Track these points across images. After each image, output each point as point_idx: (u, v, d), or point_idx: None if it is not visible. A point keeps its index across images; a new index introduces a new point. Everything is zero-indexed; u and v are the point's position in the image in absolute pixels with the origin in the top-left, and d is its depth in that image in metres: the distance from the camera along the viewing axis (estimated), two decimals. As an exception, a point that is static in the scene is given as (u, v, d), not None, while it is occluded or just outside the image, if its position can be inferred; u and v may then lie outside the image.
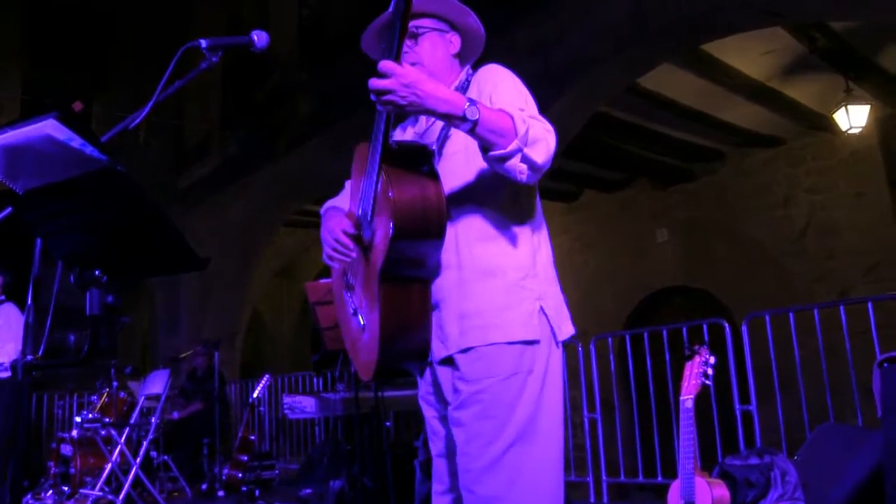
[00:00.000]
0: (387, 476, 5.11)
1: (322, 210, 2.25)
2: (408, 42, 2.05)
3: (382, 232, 1.85)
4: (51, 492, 7.91)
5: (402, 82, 1.71)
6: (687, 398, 3.41)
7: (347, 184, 2.35)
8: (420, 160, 1.91)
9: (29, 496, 7.94)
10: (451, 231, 1.92)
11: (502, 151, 1.78)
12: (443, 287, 1.96)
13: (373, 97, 1.76)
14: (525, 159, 1.80)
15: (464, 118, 1.74)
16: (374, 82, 1.73)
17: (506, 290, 1.94)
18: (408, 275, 1.91)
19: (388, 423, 6.28)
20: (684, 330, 5.81)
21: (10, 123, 1.52)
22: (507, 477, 1.86)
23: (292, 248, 15.17)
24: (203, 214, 12.70)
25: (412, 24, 2.06)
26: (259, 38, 2.10)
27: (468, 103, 1.74)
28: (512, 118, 1.79)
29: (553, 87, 6.61)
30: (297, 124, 10.81)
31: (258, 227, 12.49)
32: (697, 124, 8.62)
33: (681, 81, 7.56)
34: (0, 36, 12.84)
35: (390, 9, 1.98)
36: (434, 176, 1.87)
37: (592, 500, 6.20)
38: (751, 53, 7.11)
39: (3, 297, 5.83)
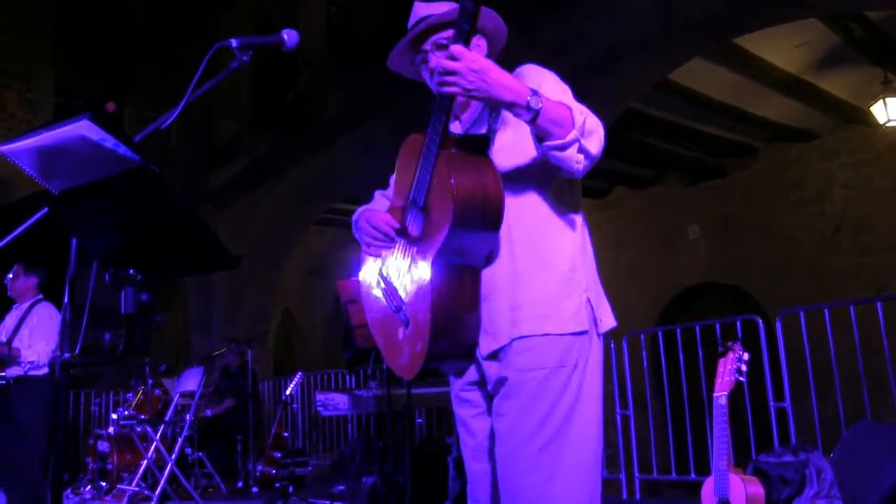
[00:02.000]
0: (419, 473, 5.13)
1: (354, 216, 2.24)
2: (438, 54, 2.06)
3: (439, 218, 1.85)
4: (89, 487, 8.05)
5: (472, 67, 1.74)
6: (720, 395, 3.38)
7: (377, 194, 2.35)
8: (479, 148, 1.92)
9: (69, 491, 8.07)
10: (503, 222, 1.91)
11: (561, 141, 1.80)
12: (494, 278, 1.96)
13: (435, 83, 1.79)
14: (581, 149, 1.82)
15: (528, 107, 1.77)
16: (444, 63, 1.76)
17: (559, 282, 1.95)
18: (461, 263, 1.90)
19: (420, 420, 6.31)
20: (717, 326, 5.76)
21: (45, 125, 1.54)
22: (548, 468, 1.87)
23: (323, 247, 15.25)
24: (233, 214, 12.81)
25: (439, 36, 2.08)
26: (289, 37, 2.10)
27: (531, 93, 1.77)
28: (570, 109, 1.81)
29: (580, 84, 6.54)
30: (326, 123, 10.85)
31: (288, 226, 12.56)
32: (729, 119, 8.53)
33: (712, 76, 7.49)
34: (33, 40, 13.03)
35: (420, 25, 2.02)
36: (492, 166, 1.88)
37: (625, 496, 6.17)
38: (784, 46, 7.02)
39: (40, 296, 5.91)
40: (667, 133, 8.89)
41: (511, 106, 1.79)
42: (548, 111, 1.78)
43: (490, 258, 1.96)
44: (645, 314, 10.18)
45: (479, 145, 1.94)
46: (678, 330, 6.24)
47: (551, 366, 1.91)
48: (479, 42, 2.15)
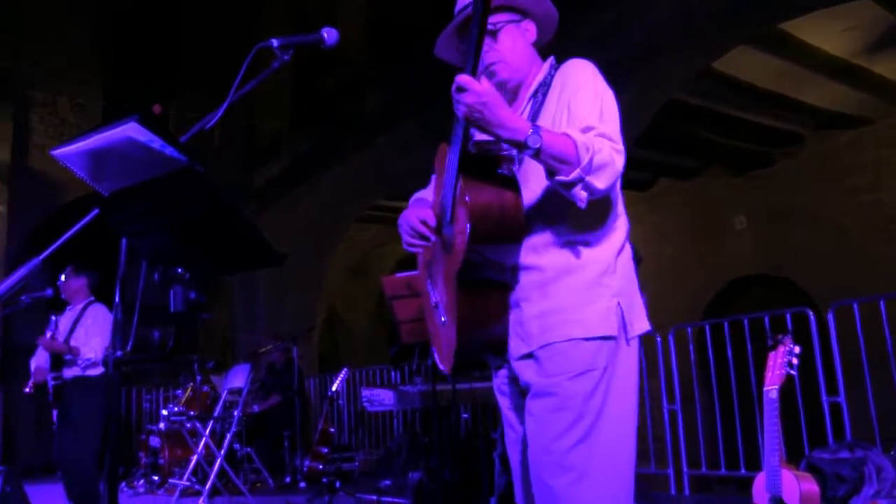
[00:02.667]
0: (465, 468, 5.13)
1: (410, 200, 2.28)
2: (487, 41, 2.04)
3: (461, 234, 1.87)
4: (142, 481, 8.21)
5: (479, 99, 1.75)
6: (771, 389, 3.32)
7: (434, 178, 2.36)
8: (497, 164, 1.92)
9: (123, 485, 8.24)
10: (532, 234, 1.93)
11: (564, 178, 1.79)
12: (523, 288, 1.98)
13: (453, 98, 1.79)
14: (586, 187, 1.81)
15: (526, 146, 1.77)
16: (457, 83, 1.76)
17: (585, 287, 1.95)
18: (485, 277, 1.93)
19: (465, 416, 6.30)
20: (766, 319, 5.67)
21: (94, 128, 1.56)
22: (578, 470, 1.88)
23: (366, 244, 15.32)
24: (276, 212, 12.93)
25: (489, 21, 2.03)
26: (329, 35, 2.11)
27: (531, 131, 1.76)
28: (576, 145, 1.79)
29: (620, 76, 6.50)
30: (366, 121, 10.90)
31: (331, 223, 12.65)
32: (775, 107, 8.38)
33: (757, 63, 7.36)
34: (80, 46, 13.31)
35: (467, 10, 1.98)
36: (511, 180, 1.89)
37: (673, 492, 6.11)
38: (833, 29, 6.87)
39: (92, 298, 6.02)
40: (711, 123, 8.78)
41: (510, 142, 1.80)
42: (548, 150, 1.77)
43: (517, 268, 1.98)
44: (691, 307, 10.07)
45: (499, 160, 1.94)
46: (725, 323, 6.15)
47: (579, 370, 1.91)
48: (527, 27, 2.13)
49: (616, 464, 1.91)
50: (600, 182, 1.81)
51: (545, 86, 2.06)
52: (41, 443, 11.46)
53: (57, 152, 1.65)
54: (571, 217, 1.96)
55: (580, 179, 1.78)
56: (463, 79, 1.76)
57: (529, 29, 2.14)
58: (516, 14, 2.12)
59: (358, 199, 12.13)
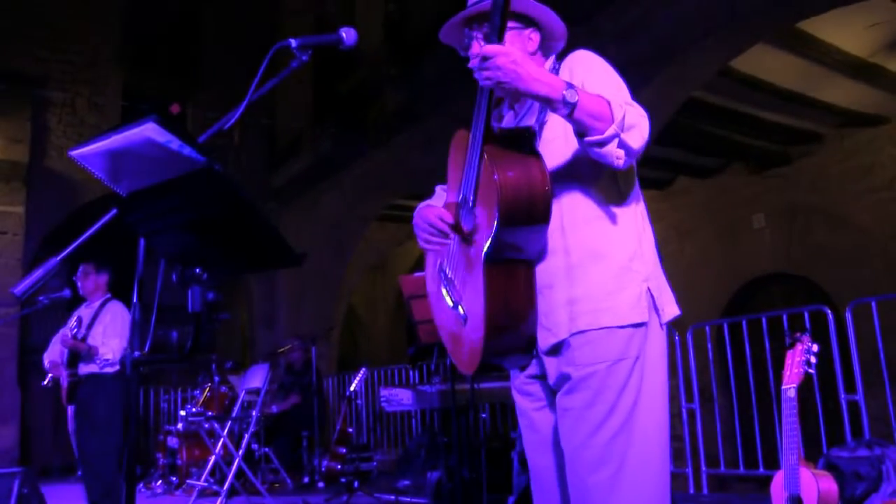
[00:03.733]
0: (484, 467, 5.13)
1: (417, 209, 2.26)
2: (480, 41, 2.04)
3: (487, 215, 1.84)
4: (160, 481, 8.25)
5: (509, 58, 1.72)
6: (789, 387, 3.30)
7: (438, 189, 2.35)
8: (523, 142, 1.90)
9: (141, 485, 8.29)
10: (555, 214, 1.89)
11: (599, 137, 1.77)
12: (549, 272, 1.95)
13: (476, 70, 1.77)
14: (622, 144, 1.78)
15: (563, 101, 1.74)
16: (481, 51, 1.74)
17: (615, 273, 1.93)
18: (513, 258, 1.89)
19: (484, 415, 6.31)
20: (784, 318, 5.64)
21: (112, 129, 1.57)
22: (616, 462, 1.87)
23: (385, 243, 15.34)
24: (296, 212, 12.98)
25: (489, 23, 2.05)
26: (348, 35, 2.11)
27: (567, 87, 1.74)
28: (609, 103, 1.78)
29: (640, 74, 6.48)
30: (386, 119, 10.92)
31: (351, 222, 12.68)
32: (794, 106, 8.32)
33: (776, 62, 7.31)
34: (101, 46, 13.40)
35: (481, 5, 1.98)
36: (538, 158, 1.86)
37: (692, 491, 6.08)
38: (852, 28, 6.81)
39: (109, 295, 6.06)
40: (730, 121, 8.73)
41: (546, 100, 1.77)
42: (584, 105, 1.74)
43: (543, 252, 1.95)
44: (710, 306, 10.02)
45: (523, 138, 1.92)
46: (744, 321, 6.12)
47: (612, 359, 1.89)
48: (531, 35, 2.12)
49: (652, 454, 1.90)
50: (633, 141, 1.80)
51: (554, 71, 2.05)
52: (58, 443, 11.57)
53: (75, 153, 1.66)
54: (595, 197, 1.96)
55: (615, 136, 1.76)
56: (490, 47, 1.74)
57: (533, 38, 2.12)
58: (521, 22, 2.10)
59: (378, 198, 12.15)
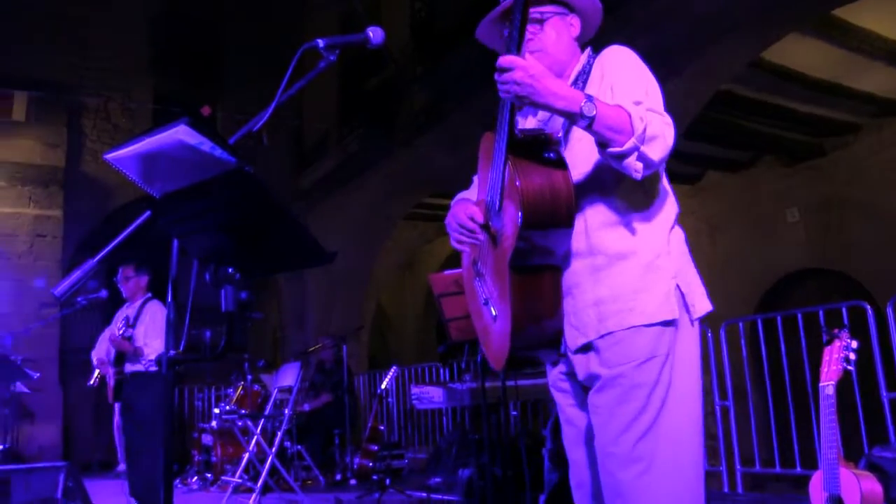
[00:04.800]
0: (515, 465, 5.12)
1: (452, 202, 2.27)
2: (532, 28, 2.05)
3: (511, 221, 1.85)
4: (196, 478, 8.34)
5: (527, 73, 1.72)
6: (827, 384, 3.25)
7: (475, 178, 2.36)
8: (546, 148, 1.90)
9: (177, 481, 8.38)
10: (579, 216, 1.90)
11: (619, 149, 1.76)
12: (575, 274, 1.95)
13: (497, 81, 1.77)
14: (641, 157, 1.78)
15: (581, 115, 1.74)
16: (500, 64, 1.75)
17: (641, 272, 1.92)
18: (538, 263, 1.91)
19: (514, 413, 6.28)
20: (821, 313, 5.55)
21: (145, 132, 1.59)
22: (646, 460, 1.86)
23: (413, 242, 15.37)
24: (325, 212, 13.03)
25: (537, 10, 2.06)
26: (374, 34, 2.11)
27: (585, 100, 1.74)
28: (629, 115, 1.77)
29: (669, 66, 6.42)
30: (413, 118, 10.92)
31: (378, 221, 12.71)
32: (828, 96, 8.19)
33: (810, 51, 7.20)
34: (132, 52, 13.59)
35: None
36: (561, 163, 1.86)
37: (726, 489, 6.02)
38: (890, 13, 6.67)
39: (149, 294, 6.15)
40: (761, 114, 8.61)
41: (564, 114, 1.77)
42: (603, 119, 1.74)
43: (569, 254, 1.95)
44: (743, 302, 9.91)
45: (547, 143, 1.92)
46: (779, 317, 6.04)
47: (641, 358, 1.89)
48: (573, 21, 2.13)
49: (684, 451, 1.89)
50: (654, 153, 1.79)
51: (584, 74, 2.05)
52: (99, 439, 11.76)
53: (110, 156, 1.68)
54: (620, 198, 1.95)
55: (635, 149, 1.76)
56: (506, 59, 1.74)
57: (574, 24, 2.14)
58: (563, 7, 2.12)
59: (405, 197, 12.17)
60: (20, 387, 8.00)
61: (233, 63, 14.84)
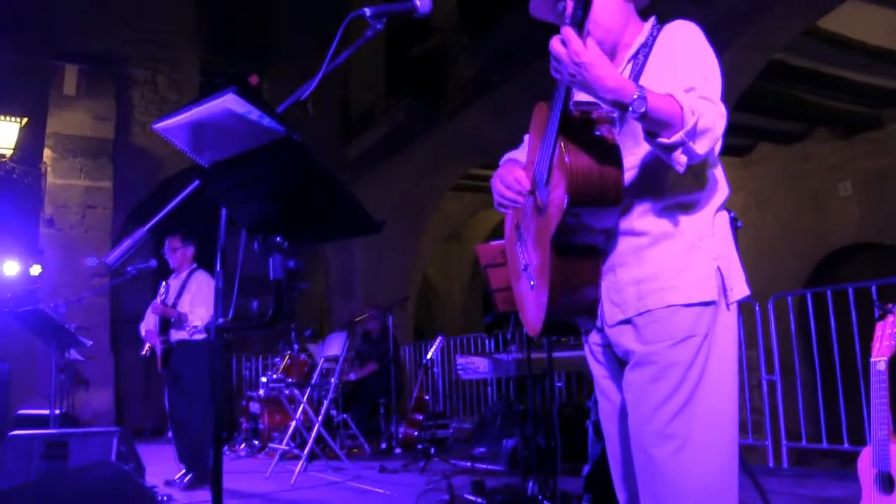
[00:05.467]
0: (559, 436, 5.13)
1: (501, 161, 2.25)
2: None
3: (557, 197, 1.84)
4: (243, 445, 8.51)
5: (574, 60, 1.67)
6: (879, 360, 3.19)
7: (526, 137, 2.33)
8: (598, 126, 1.88)
9: (225, 448, 8.56)
10: (626, 196, 1.88)
11: (666, 142, 1.73)
12: (619, 252, 1.94)
13: (551, 61, 1.73)
14: (686, 151, 1.75)
15: (631, 109, 1.70)
16: (552, 49, 1.70)
17: (683, 252, 1.90)
18: (580, 242, 1.90)
19: (559, 384, 6.30)
20: (873, 288, 5.44)
21: (193, 101, 1.60)
22: (679, 439, 1.86)
23: (460, 213, 15.38)
24: (371, 183, 13.08)
25: None
26: (422, 3, 2.09)
27: (637, 95, 1.68)
28: (681, 108, 1.72)
29: (720, 36, 6.28)
30: (459, 89, 10.88)
31: (425, 192, 12.73)
32: (888, 65, 7.95)
33: (868, 18, 7.00)
34: (178, 25, 13.68)
35: None
36: (612, 143, 1.84)
37: (771, 464, 5.97)
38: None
39: (195, 265, 6.28)
40: (815, 84, 8.42)
41: (613, 105, 1.73)
42: (654, 113, 1.69)
43: (613, 232, 1.94)
44: (792, 276, 9.75)
45: (600, 122, 1.89)
46: (829, 292, 5.94)
47: (679, 337, 1.88)
48: None
49: (718, 431, 1.88)
50: (701, 147, 1.75)
51: (646, 47, 2.00)
52: (148, 407, 12.04)
53: (159, 126, 1.70)
54: (670, 181, 1.92)
55: (682, 143, 1.72)
56: (567, 31, 1.68)
57: None
58: None
59: (451, 168, 12.16)
60: (74, 354, 8.20)
61: (279, 34, 14.87)
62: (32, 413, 7.48)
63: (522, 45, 8.87)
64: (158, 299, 6.05)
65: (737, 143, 10.30)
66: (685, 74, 1.85)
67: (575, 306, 1.96)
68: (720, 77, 1.91)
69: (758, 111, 8.89)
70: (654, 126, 1.72)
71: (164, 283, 6.17)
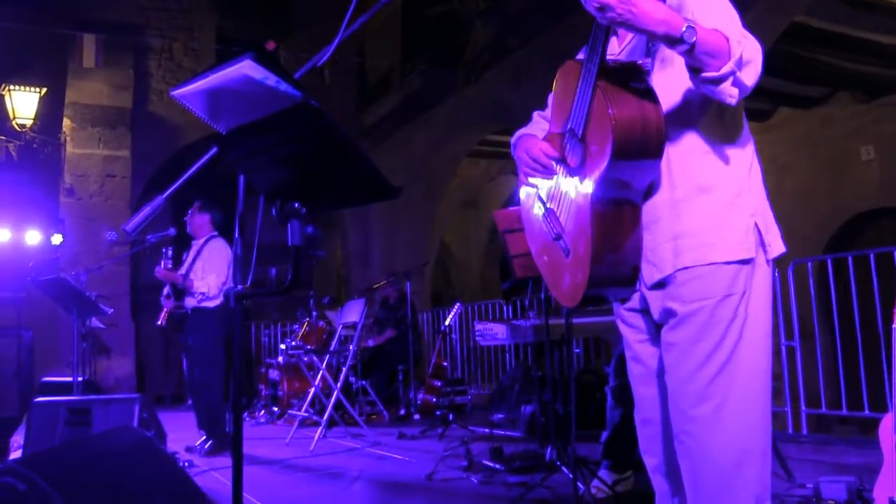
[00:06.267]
0: (577, 402, 5.14)
1: (513, 140, 2.23)
2: None
3: (598, 149, 1.82)
4: (263, 412, 8.60)
5: (627, 5, 1.66)
6: (899, 325, 3.17)
7: (535, 115, 2.32)
8: (637, 76, 1.86)
9: (245, 414, 8.66)
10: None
11: (715, 74, 1.71)
12: (655, 207, 1.93)
13: (592, 7, 1.70)
14: (736, 82, 1.73)
15: (681, 40, 1.68)
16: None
17: (721, 208, 1.90)
18: (622, 195, 1.88)
19: (577, 350, 6.31)
20: (895, 254, 5.40)
21: (210, 67, 1.60)
22: (719, 397, 1.87)
23: (477, 179, 15.33)
24: (388, 149, 13.05)
25: None
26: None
27: (686, 25, 1.67)
28: (727, 39, 1.71)
29: (744, -3, 6.19)
30: (476, 54, 10.80)
31: (442, 159, 12.69)
32: (912, 27, 7.81)
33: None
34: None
35: None
36: (651, 93, 1.82)
37: (791, 430, 5.97)
38: None
39: (214, 233, 6.30)
40: (837, 47, 8.29)
41: (664, 38, 1.71)
42: (703, 44, 1.68)
43: (651, 187, 1.92)
44: (812, 241, 9.69)
45: (638, 72, 1.88)
46: (850, 257, 5.89)
47: (719, 295, 1.87)
48: None
49: (755, 390, 1.90)
50: (748, 78, 1.74)
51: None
52: (169, 373, 12.18)
53: (177, 92, 1.70)
54: (703, 130, 1.91)
55: (731, 74, 1.71)
56: None
57: None
58: None
59: (469, 133, 12.10)
60: (95, 322, 8.30)
61: (297, 2, 14.78)
62: (57, 380, 7.60)
63: (539, 9, 8.78)
64: (161, 263, 6.08)
65: (756, 107, 10.18)
66: (713, 19, 1.82)
67: (617, 269, 1.93)
68: (740, 19, 1.89)
69: (778, 75, 8.76)
70: (701, 59, 1.70)
71: (165, 249, 6.20)
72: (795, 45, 7.98)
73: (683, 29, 1.67)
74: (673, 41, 1.69)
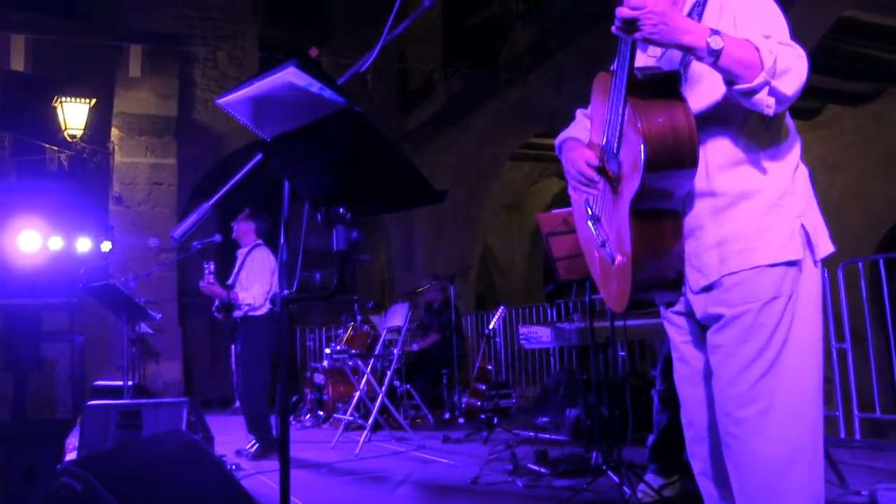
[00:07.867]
0: (623, 405, 5.10)
1: (557, 142, 2.23)
2: None
3: (631, 164, 1.82)
4: (308, 415, 8.66)
5: (652, 19, 1.67)
6: (956, 326, 3.10)
7: (578, 113, 2.31)
8: (667, 88, 1.85)
9: (291, 418, 8.74)
10: (701, 156, 1.85)
11: (748, 85, 1.70)
12: (696, 215, 1.92)
13: (616, 27, 1.72)
14: (772, 92, 1.71)
15: (707, 50, 1.68)
16: (622, 11, 1.70)
17: (764, 211, 1.88)
18: (659, 207, 1.87)
19: (622, 353, 6.24)
20: (949, 252, 5.26)
21: (255, 75, 1.62)
22: (765, 400, 1.85)
23: (519, 182, 15.31)
24: (431, 154, 13.08)
25: None
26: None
27: (710, 34, 1.67)
28: (757, 49, 1.69)
29: (790, -6, 6.11)
30: (517, 57, 10.79)
31: (485, 162, 12.69)
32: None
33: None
34: (238, 2, 13.84)
35: None
36: (682, 103, 1.81)
37: (843, 435, 5.85)
38: None
39: (259, 242, 6.36)
40: (888, 41, 8.11)
41: (690, 49, 1.71)
42: (730, 53, 1.67)
43: (690, 195, 1.91)
44: (863, 241, 9.50)
45: (668, 83, 1.86)
46: (903, 257, 5.76)
47: (765, 298, 1.86)
48: None
49: (803, 393, 1.87)
50: (787, 88, 1.72)
51: (700, 6, 1.96)
52: (215, 377, 12.34)
53: (221, 101, 1.72)
54: (744, 136, 1.89)
55: (766, 84, 1.69)
56: (626, 12, 1.68)
57: None
58: None
59: (511, 137, 12.10)
60: (144, 327, 8.43)
61: (337, 8, 14.91)
62: (107, 384, 7.73)
63: (579, 11, 8.74)
64: (206, 278, 6.11)
65: (803, 105, 10.00)
66: (754, 24, 1.81)
67: (661, 275, 1.93)
68: (786, 24, 1.87)
69: (826, 72, 8.61)
70: (732, 68, 1.69)
71: (205, 263, 6.24)
72: (844, 40, 7.84)
73: (708, 38, 1.67)
74: (698, 52, 1.69)
